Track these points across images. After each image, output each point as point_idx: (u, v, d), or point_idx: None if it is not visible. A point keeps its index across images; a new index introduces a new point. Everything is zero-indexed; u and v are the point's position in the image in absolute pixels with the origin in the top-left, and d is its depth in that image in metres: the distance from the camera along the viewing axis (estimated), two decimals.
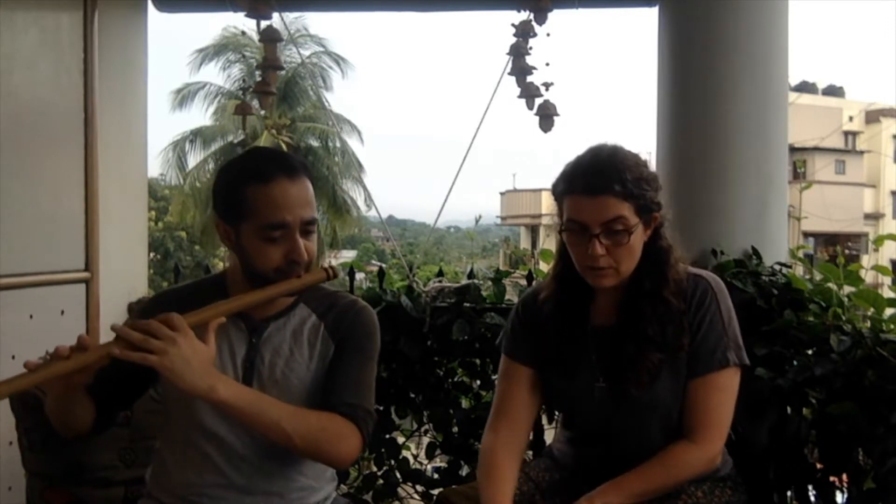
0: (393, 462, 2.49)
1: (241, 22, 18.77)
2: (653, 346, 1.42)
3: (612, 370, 1.47)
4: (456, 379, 2.49)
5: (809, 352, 1.92)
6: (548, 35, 2.55)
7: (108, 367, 1.40)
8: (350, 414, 1.38)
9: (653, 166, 1.55)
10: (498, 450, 1.50)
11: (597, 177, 1.38)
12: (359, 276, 2.72)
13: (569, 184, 1.42)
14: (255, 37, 2.74)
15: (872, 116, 25.43)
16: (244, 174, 1.38)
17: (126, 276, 2.54)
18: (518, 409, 1.55)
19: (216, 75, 18.28)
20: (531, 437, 2.11)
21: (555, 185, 1.46)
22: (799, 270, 2.23)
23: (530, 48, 2.56)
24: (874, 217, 24.68)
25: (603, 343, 1.49)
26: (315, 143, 18.12)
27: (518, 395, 1.55)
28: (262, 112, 12.32)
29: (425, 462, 2.55)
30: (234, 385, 1.32)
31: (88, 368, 1.25)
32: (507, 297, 2.46)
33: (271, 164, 1.38)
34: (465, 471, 2.46)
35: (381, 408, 2.44)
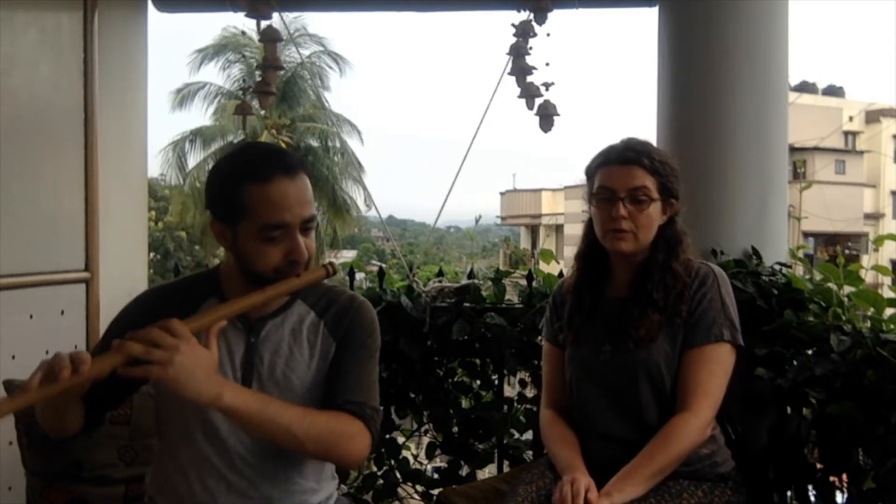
0: (393, 462, 2.48)
1: (241, 22, 18.86)
2: (654, 307, 1.58)
3: (617, 333, 1.61)
4: (456, 379, 2.49)
5: (809, 352, 1.92)
6: (548, 35, 2.55)
7: None
8: (358, 412, 1.37)
9: None
10: (558, 421, 1.70)
11: (629, 150, 1.61)
12: (359, 275, 2.72)
13: (603, 158, 1.64)
14: (255, 37, 2.74)
15: (872, 116, 25.40)
16: (241, 173, 1.32)
17: (126, 276, 2.53)
18: (562, 386, 1.74)
19: (216, 75, 18.29)
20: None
21: (589, 165, 1.67)
22: (799, 270, 2.23)
23: (530, 48, 2.56)
24: (874, 217, 24.65)
25: (613, 312, 1.64)
26: (315, 143, 18.11)
27: (560, 375, 1.74)
28: (262, 112, 12.30)
29: (425, 462, 2.55)
30: (241, 391, 1.29)
31: (87, 382, 1.21)
32: (507, 297, 2.46)
33: (269, 163, 1.32)
34: (464, 471, 2.46)
35: (381, 408, 2.43)
